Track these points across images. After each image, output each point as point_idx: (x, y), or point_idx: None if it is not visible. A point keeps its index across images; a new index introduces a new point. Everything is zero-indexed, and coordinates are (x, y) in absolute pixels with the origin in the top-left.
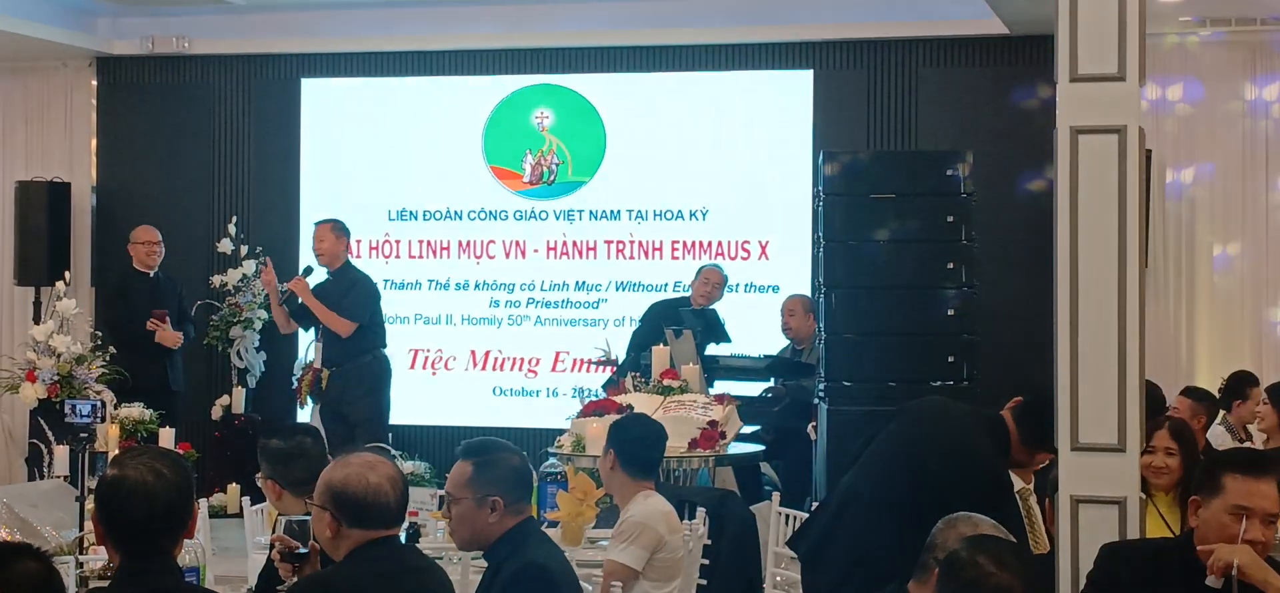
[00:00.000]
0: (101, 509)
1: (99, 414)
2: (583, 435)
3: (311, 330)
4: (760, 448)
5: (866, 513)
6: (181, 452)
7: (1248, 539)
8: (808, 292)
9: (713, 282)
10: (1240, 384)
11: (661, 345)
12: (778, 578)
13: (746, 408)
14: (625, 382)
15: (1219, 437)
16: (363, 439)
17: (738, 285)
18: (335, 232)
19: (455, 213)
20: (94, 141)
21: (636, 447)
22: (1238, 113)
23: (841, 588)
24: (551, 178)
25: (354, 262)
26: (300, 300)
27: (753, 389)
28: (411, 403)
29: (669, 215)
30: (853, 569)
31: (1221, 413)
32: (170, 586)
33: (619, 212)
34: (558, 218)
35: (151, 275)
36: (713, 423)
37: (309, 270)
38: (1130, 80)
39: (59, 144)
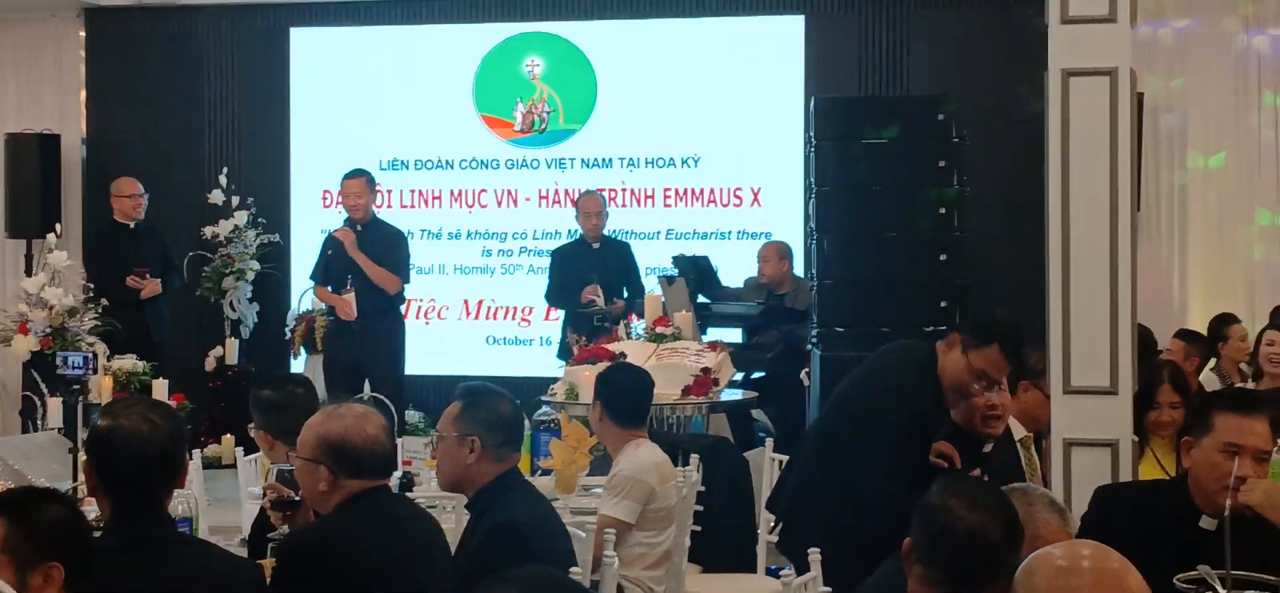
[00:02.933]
0: (94, 459)
1: (92, 366)
2: (576, 383)
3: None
4: (753, 394)
5: (810, 447)
6: (175, 403)
7: (1239, 476)
8: (800, 238)
9: (595, 210)
10: (1220, 326)
11: (654, 293)
12: (771, 523)
13: (739, 355)
14: (618, 330)
15: (1210, 382)
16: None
17: (731, 232)
18: (369, 186)
19: (446, 162)
20: (83, 93)
21: (623, 398)
22: (1230, 50)
23: (791, 515)
24: (542, 126)
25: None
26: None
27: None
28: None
29: (661, 163)
30: (797, 500)
31: (1213, 360)
32: (162, 535)
33: (611, 160)
34: (549, 166)
35: (132, 228)
36: (706, 370)
37: (353, 224)
38: (1121, 22)
39: (48, 96)
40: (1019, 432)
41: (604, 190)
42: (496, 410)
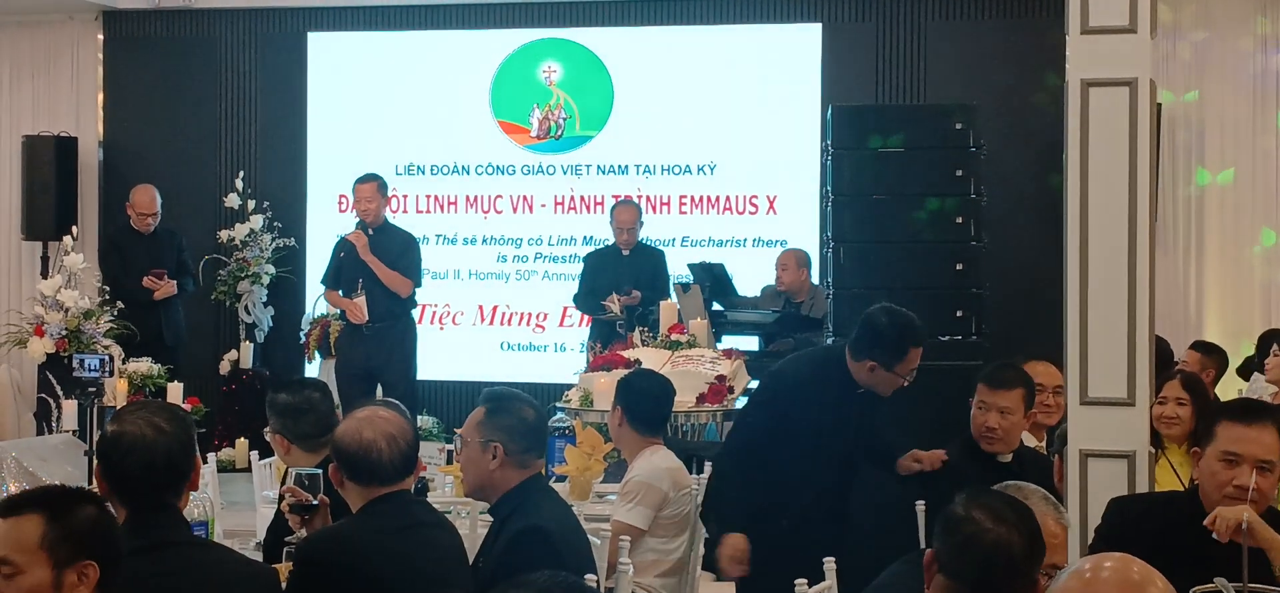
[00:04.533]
0: (104, 465)
1: (107, 369)
2: (590, 390)
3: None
4: None
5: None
6: (189, 407)
7: (1238, 485)
8: (815, 246)
9: (626, 226)
10: (1267, 342)
11: (669, 300)
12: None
13: (755, 363)
14: (633, 336)
15: (1260, 390)
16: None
17: (746, 240)
18: (380, 190)
19: (463, 168)
20: (101, 96)
21: (644, 403)
22: (1250, 61)
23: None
24: (559, 132)
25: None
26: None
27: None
28: (419, 358)
29: (677, 170)
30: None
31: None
32: (176, 539)
33: (627, 166)
34: (565, 172)
35: (148, 232)
36: (721, 377)
37: (365, 228)
38: (1141, 32)
39: (66, 98)
40: (1031, 440)
41: (625, 197)
42: (520, 417)
